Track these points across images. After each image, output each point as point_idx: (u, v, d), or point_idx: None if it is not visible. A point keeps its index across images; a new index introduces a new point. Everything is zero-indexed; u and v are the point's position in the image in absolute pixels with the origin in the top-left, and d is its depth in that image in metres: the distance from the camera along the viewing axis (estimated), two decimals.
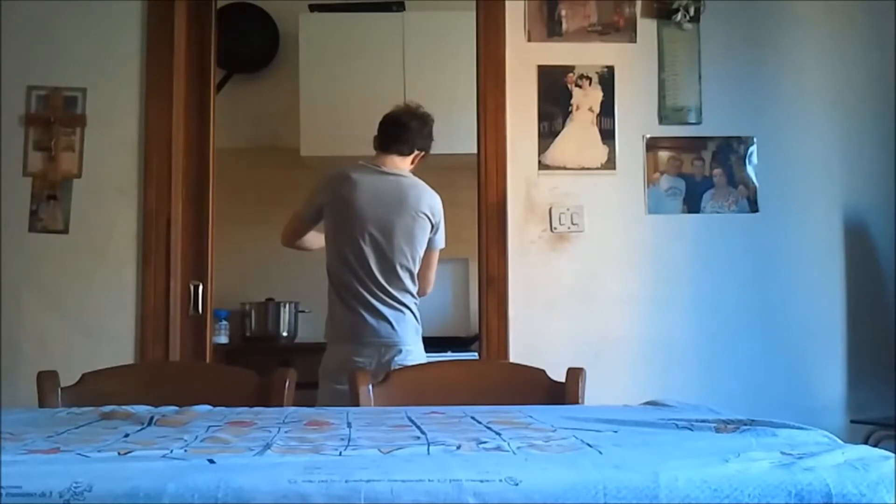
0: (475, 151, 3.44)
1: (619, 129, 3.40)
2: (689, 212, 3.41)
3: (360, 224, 3.15)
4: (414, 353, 3.18)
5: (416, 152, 3.32)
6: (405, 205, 3.19)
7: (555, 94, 3.40)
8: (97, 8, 3.36)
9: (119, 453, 1.26)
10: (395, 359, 3.11)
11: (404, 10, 4.89)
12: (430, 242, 3.27)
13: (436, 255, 3.32)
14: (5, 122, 3.31)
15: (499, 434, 1.47)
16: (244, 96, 5.17)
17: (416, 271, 3.23)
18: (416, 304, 3.24)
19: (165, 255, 3.31)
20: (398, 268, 3.16)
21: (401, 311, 3.17)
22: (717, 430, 1.51)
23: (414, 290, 3.23)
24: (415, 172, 3.33)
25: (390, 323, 3.14)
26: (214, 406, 1.87)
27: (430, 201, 3.25)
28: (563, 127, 3.40)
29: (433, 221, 3.25)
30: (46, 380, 2.17)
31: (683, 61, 3.43)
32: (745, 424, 1.54)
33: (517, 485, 1.08)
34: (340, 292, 3.19)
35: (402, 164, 3.29)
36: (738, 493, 1.10)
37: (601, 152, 3.40)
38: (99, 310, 3.28)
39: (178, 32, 3.39)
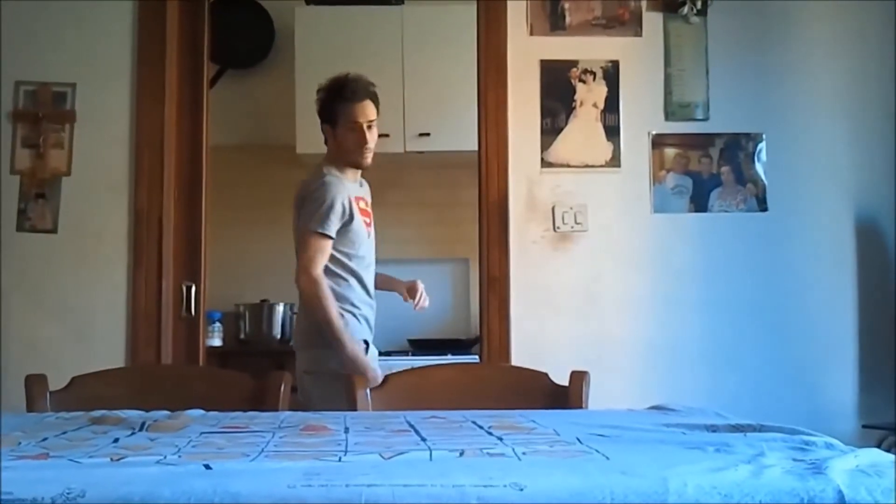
0: (476, 149, 3.42)
1: (624, 125, 3.38)
2: (696, 211, 3.39)
3: None
4: (300, 357, 3.04)
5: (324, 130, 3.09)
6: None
7: (558, 90, 3.38)
8: (87, 0, 3.34)
9: (112, 459, 1.25)
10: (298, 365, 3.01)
11: (403, 3, 4.90)
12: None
13: (302, 236, 2.98)
14: None
15: (500, 439, 1.45)
16: (238, 92, 5.14)
17: (310, 269, 2.94)
18: (308, 302, 2.99)
19: (157, 256, 3.28)
20: (298, 270, 2.98)
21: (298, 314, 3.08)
22: (719, 433, 1.49)
23: (314, 289, 2.93)
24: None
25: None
26: (207, 410, 1.86)
27: (300, 188, 3.05)
28: (566, 123, 3.37)
29: (298, 205, 3.02)
30: (35, 383, 2.15)
31: (690, 56, 3.41)
32: (755, 429, 1.53)
33: (522, 490, 1.07)
34: None
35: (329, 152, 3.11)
36: (748, 500, 1.09)
37: (605, 149, 3.37)
38: (89, 311, 3.26)
39: (171, 26, 3.37)
